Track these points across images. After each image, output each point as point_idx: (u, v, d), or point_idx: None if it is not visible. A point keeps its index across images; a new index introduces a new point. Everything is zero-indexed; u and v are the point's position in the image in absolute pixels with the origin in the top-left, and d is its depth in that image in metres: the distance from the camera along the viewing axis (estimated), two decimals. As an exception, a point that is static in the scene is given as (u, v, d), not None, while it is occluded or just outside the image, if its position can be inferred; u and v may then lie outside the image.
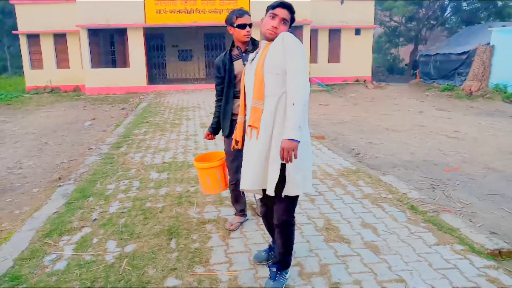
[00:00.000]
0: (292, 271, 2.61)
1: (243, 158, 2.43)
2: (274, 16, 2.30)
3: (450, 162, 6.53)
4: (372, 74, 19.80)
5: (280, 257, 2.45)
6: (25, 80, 18.78)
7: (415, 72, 21.33)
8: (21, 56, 18.80)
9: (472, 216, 4.24)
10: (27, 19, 17.85)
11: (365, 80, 18.85)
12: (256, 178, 2.29)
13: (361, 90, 17.68)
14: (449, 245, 3.03)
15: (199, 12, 16.42)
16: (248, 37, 3.05)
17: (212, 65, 19.95)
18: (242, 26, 2.99)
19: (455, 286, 2.51)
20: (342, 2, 18.25)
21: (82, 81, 17.48)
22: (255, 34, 2.69)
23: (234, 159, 3.13)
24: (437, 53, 18.45)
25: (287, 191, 2.26)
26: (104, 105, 14.27)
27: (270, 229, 2.67)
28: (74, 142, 8.35)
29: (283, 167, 2.22)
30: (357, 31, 18.71)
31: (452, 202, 4.67)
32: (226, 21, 3.09)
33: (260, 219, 3.27)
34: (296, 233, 2.99)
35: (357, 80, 18.87)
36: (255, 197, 3.27)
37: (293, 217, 2.42)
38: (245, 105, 2.46)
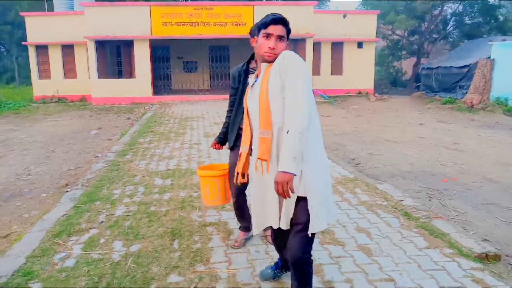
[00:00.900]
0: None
1: (254, 197, 2.21)
2: (268, 35, 2.11)
3: (448, 173, 6.65)
4: (374, 87, 20.01)
5: None
6: (33, 90, 19.15)
7: (417, 85, 21.54)
8: (28, 66, 19.21)
9: (466, 224, 4.37)
10: (36, 30, 18.28)
11: (367, 92, 19.05)
12: (273, 217, 2.13)
13: (363, 102, 17.88)
14: (439, 249, 3.18)
15: (204, 25, 16.77)
16: None
17: (216, 77, 20.30)
18: None
19: (442, 285, 2.66)
20: (344, 16, 18.56)
21: (89, 91, 17.81)
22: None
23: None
24: (439, 66, 18.66)
25: (313, 228, 2.03)
26: (110, 115, 14.54)
27: (281, 251, 2.52)
28: (80, 150, 8.55)
29: (303, 202, 2.03)
30: (360, 44, 18.97)
31: (448, 211, 4.80)
32: (250, 33, 2.93)
33: None
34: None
35: (359, 93, 19.08)
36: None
37: (310, 254, 2.12)
38: (250, 135, 2.26)
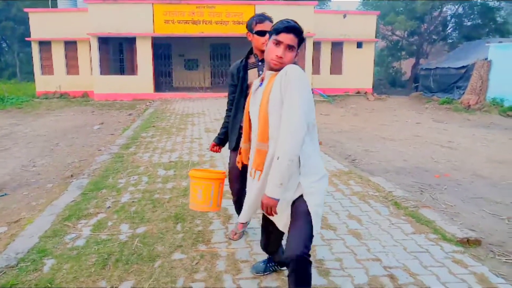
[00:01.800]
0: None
1: (247, 195, 2.27)
2: (278, 43, 2.03)
3: (441, 169, 6.88)
4: (373, 87, 20.25)
5: None
6: (36, 85, 19.36)
7: (416, 85, 21.77)
8: (30, 62, 19.42)
9: (454, 216, 4.59)
10: (40, 26, 18.51)
11: (366, 92, 19.29)
12: (250, 213, 2.25)
13: (362, 101, 18.11)
14: (424, 234, 3.41)
15: (205, 23, 17.00)
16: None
17: (217, 75, 20.53)
18: (261, 33, 2.75)
19: (425, 265, 2.89)
20: (344, 16, 18.78)
21: (91, 87, 18.04)
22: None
23: (238, 174, 2.91)
24: (437, 67, 18.90)
25: (317, 227, 2.06)
26: (112, 111, 14.76)
27: (272, 254, 2.61)
28: (84, 144, 8.76)
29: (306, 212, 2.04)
30: (359, 44, 19.21)
31: (438, 204, 5.02)
32: (246, 27, 2.88)
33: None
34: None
35: (358, 92, 19.32)
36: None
37: (309, 252, 2.05)
38: (249, 132, 2.27)
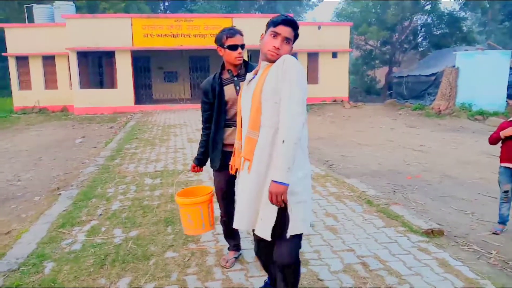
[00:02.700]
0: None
1: (237, 193, 2.23)
2: (275, 35, 2.06)
3: (413, 171, 7.32)
4: (349, 95, 20.87)
5: None
6: (13, 101, 19.17)
7: (390, 92, 22.56)
8: (3, 77, 19.17)
9: (424, 213, 4.97)
10: (17, 41, 18.39)
11: (342, 100, 19.88)
12: (252, 217, 2.08)
13: (338, 109, 18.67)
14: (394, 227, 3.77)
15: (184, 36, 17.30)
16: (240, 60, 2.72)
17: (197, 86, 20.79)
18: (233, 48, 2.67)
19: (393, 253, 3.24)
20: (319, 28, 19.41)
21: (70, 102, 17.99)
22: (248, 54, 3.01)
23: (226, 194, 2.88)
24: (408, 75, 19.69)
25: (292, 230, 2.01)
26: (93, 124, 14.81)
27: (266, 267, 2.47)
28: (67, 158, 8.87)
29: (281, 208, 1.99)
30: (334, 54, 19.84)
31: (409, 202, 5.41)
32: (215, 41, 2.77)
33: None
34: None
35: (334, 100, 19.89)
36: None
37: (298, 258, 2.11)
38: (241, 130, 2.24)
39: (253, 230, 2.16)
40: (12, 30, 18.64)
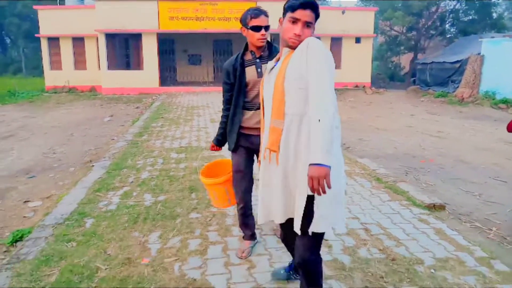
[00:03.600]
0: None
1: (262, 185, 2.08)
2: (295, 20, 1.94)
3: (427, 156, 7.52)
4: (371, 81, 20.84)
5: None
6: (45, 80, 20.04)
7: (413, 79, 22.36)
8: (35, 57, 20.02)
9: (432, 192, 5.23)
10: (48, 23, 19.16)
11: (364, 86, 19.89)
12: (285, 210, 1.99)
13: (360, 95, 18.73)
14: (398, 201, 4.08)
15: (209, 20, 17.62)
16: (263, 42, 2.65)
17: (220, 70, 21.16)
18: (256, 29, 2.60)
19: (394, 222, 3.56)
20: (343, 12, 19.35)
21: (98, 82, 18.71)
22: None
23: (243, 178, 2.82)
24: (433, 62, 19.48)
25: (314, 227, 1.89)
26: (120, 104, 15.43)
27: (291, 251, 2.40)
28: (97, 134, 9.43)
29: (309, 199, 1.86)
30: (358, 40, 19.80)
31: (419, 183, 5.67)
32: (240, 21, 2.70)
33: None
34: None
35: (356, 86, 19.93)
36: None
37: (319, 254, 2.01)
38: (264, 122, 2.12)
39: (281, 224, 2.17)
40: (45, 11, 19.38)
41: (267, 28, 2.63)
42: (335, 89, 1.85)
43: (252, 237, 3.04)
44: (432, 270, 2.74)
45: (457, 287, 2.55)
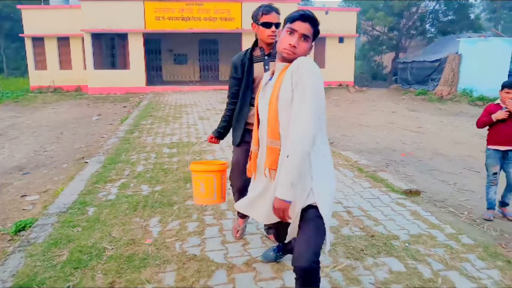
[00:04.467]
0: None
1: (252, 187, 2.21)
2: (292, 31, 1.92)
3: (407, 149, 7.93)
4: (354, 79, 21.34)
5: None
6: (30, 80, 19.93)
7: (395, 77, 22.97)
8: (17, 58, 19.85)
9: (410, 182, 5.61)
10: (33, 23, 19.06)
11: (347, 84, 20.38)
12: (271, 215, 2.00)
13: (343, 93, 19.19)
14: (378, 188, 4.43)
15: (194, 20, 17.83)
16: (273, 39, 2.64)
17: (206, 69, 21.37)
18: (267, 25, 2.61)
19: (374, 206, 3.90)
20: (327, 13, 19.78)
21: (84, 82, 18.72)
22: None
23: (242, 172, 2.78)
24: (413, 61, 20.09)
25: (328, 238, 1.97)
26: (107, 104, 15.52)
27: (285, 243, 2.53)
28: (86, 133, 9.59)
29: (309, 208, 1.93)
30: (341, 39, 20.27)
31: (399, 174, 6.05)
32: (252, 17, 2.72)
33: None
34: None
35: (340, 85, 20.39)
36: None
37: (318, 262, 1.93)
38: (258, 133, 2.13)
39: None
40: (29, 11, 19.28)
41: (277, 25, 2.63)
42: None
43: (245, 215, 3.01)
44: (407, 244, 3.08)
45: (428, 257, 2.89)
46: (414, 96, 18.43)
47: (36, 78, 19.59)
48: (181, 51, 21.55)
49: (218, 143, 3.10)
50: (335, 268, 2.70)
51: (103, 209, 3.80)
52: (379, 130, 10.04)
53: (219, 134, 3.01)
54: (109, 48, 19.38)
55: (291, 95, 1.87)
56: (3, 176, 6.07)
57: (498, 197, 4.17)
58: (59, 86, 19.54)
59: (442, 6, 25.04)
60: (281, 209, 1.82)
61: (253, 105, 2.69)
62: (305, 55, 1.95)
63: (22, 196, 5.10)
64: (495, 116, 3.88)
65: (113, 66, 19.41)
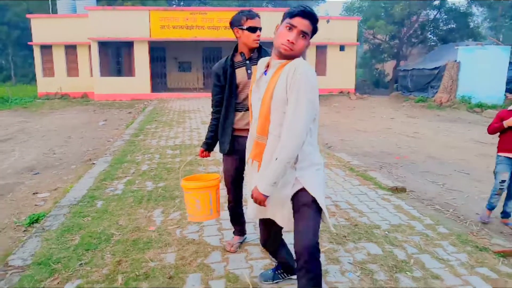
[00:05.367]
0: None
1: (247, 185, 2.23)
2: (291, 27, 1.90)
3: (402, 153, 8.22)
4: (355, 87, 21.66)
5: None
6: (37, 87, 20.44)
7: (396, 85, 23.29)
8: (25, 65, 20.37)
9: (401, 182, 5.91)
10: (41, 31, 19.62)
11: (348, 92, 20.69)
12: (262, 209, 2.12)
13: (344, 100, 19.52)
14: (366, 185, 4.73)
15: (198, 28, 18.29)
16: (257, 43, 2.71)
17: (210, 76, 21.77)
18: (252, 30, 2.65)
19: (361, 200, 4.21)
20: (328, 21, 20.17)
21: (90, 88, 19.20)
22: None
23: (234, 178, 2.88)
24: (413, 68, 20.41)
25: (326, 215, 2.06)
26: (112, 110, 15.93)
27: (275, 254, 2.53)
28: (93, 137, 9.95)
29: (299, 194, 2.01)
30: (342, 47, 20.64)
31: (392, 176, 6.35)
32: (232, 23, 2.73)
33: None
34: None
35: (341, 92, 20.72)
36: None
37: (318, 246, 2.00)
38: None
39: (261, 220, 2.30)
40: (37, 20, 19.86)
41: (260, 29, 2.70)
42: (320, 96, 2.11)
43: (241, 232, 3.14)
44: (386, 232, 3.38)
45: (405, 243, 3.19)
46: (414, 103, 18.72)
47: (43, 84, 20.09)
48: (185, 59, 22.02)
49: (209, 156, 3.09)
50: (319, 251, 3.01)
51: (111, 202, 4.13)
52: (376, 135, 10.34)
53: (208, 146, 2.99)
54: (115, 56, 19.88)
55: (285, 96, 1.89)
56: (15, 176, 6.42)
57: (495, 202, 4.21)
58: (66, 92, 20.02)
59: (443, 15, 25.39)
60: (258, 200, 1.94)
61: (238, 111, 2.76)
62: (302, 52, 1.98)
63: (33, 193, 5.43)
64: (507, 123, 3.84)
65: (119, 73, 19.90)
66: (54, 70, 20.25)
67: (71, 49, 20.11)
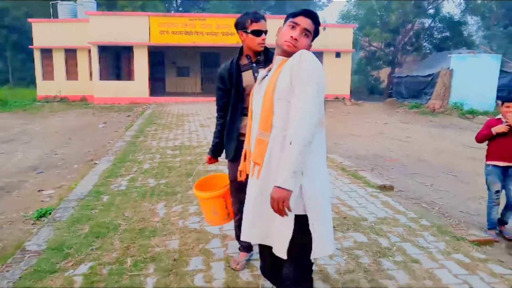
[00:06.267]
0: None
1: (246, 202, 2.00)
2: (294, 25, 1.93)
3: (393, 156, 8.52)
4: (350, 93, 22.04)
5: None
6: (37, 90, 20.67)
7: (390, 92, 23.71)
8: (23, 69, 20.57)
9: (391, 182, 6.20)
10: (42, 35, 19.90)
11: (344, 98, 21.07)
12: (260, 230, 1.90)
13: (339, 106, 19.87)
14: (356, 184, 5.03)
15: (197, 34, 18.63)
16: (262, 46, 2.63)
17: (208, 81, 22.13)
18: (257, 33, 2.56)
19: (350, 196, 4.50)
20: (324, 29, 20.55)
21: (89, 92, 19.46)
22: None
23: (240, 188, 2.51)
24: (407, 75, 20.83)
25: (316, 253, 1.83)
26: (112, 113, 16.19)
27: (274, 281, 2.18)
28: (94, 139, 10.20)
29: (298, 220, 1.79)
30: (337, 54, 21.05)
31: (382, 176, 6.64)
32: (237, 25, 2.65)
33: None
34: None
35: (336, 98, 21.08)
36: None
37: (311, 283, 1.93)
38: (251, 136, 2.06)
39: (259, 247, 2.10)
40: (38, 24, 20.14)
41: (266, 32, 2.61)
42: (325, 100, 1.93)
43: (248, 249, 2.93)
44: (372, 224, 3.66)
45: (389, 233, 3.47)
46: (408, 109, 19.08)
47: (43, 88, 20.33)
48: (183, 64, 22.34)
49: (217, 161, 2.98)
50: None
51: (116, 196, 4.40)
52: (369, 140, 10.64)
53: (214, 153, 2.89)
54: (115, 60, 20.18)
55: (289, 85, 1.81)
56: (20, 175, 6.66)
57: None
58: (65, 96, 20.25)
59: (437, 23, 25.93)
60: (281, 198, 1.66)
61: (245, 115, 2.57)
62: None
63: (39, 190, 5.68)
64: (495, 129, 3.80)
65: (118, 77, 20.19)
66: (54, 73, 20.50)
67: (71, 53, 20.38)
